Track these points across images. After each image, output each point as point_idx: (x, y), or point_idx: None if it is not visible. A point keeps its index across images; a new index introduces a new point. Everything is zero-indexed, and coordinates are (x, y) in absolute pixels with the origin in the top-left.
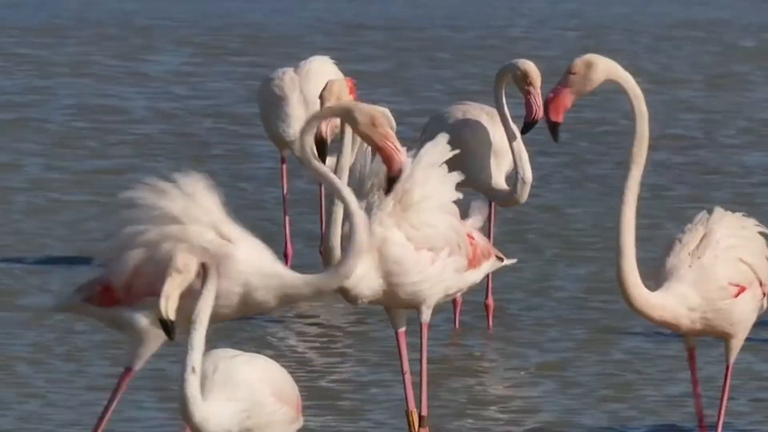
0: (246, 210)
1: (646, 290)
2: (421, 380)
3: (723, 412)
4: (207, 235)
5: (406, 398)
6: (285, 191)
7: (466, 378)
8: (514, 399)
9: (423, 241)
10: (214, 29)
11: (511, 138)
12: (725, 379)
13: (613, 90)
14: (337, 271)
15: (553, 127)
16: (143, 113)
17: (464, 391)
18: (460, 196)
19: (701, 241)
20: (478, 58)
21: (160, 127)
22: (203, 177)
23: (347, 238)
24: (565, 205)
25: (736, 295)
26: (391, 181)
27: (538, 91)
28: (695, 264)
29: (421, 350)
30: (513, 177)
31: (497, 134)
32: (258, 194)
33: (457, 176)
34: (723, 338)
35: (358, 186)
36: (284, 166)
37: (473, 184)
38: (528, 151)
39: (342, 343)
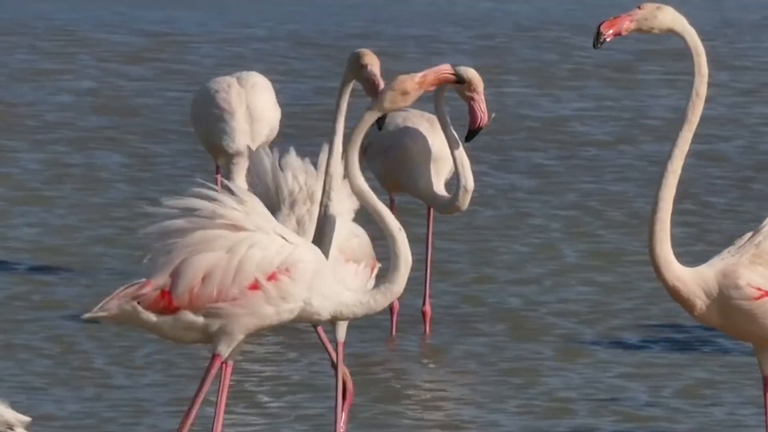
0: None
1: (673, 258)
2: (335, 402)
3: None
4: (276, 241)
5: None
6: None
7: (400, 384)
8: (451, 404)
9: (350, 252)
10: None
11: (453, 145)
12: (765, 395)
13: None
14: (390, 289)
15: (598, 36)
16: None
17: (399, 397)
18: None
19: (747, 240)
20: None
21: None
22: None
23: (392, 257)
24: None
25: (758, 298)
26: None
27: (482, 97)
28: (727, 258)
29: (336, 372)
30: (455, 185)
31: (436, 141)
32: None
33: None
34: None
35: (276, 198)
36: (218, 176)
37: (413, 191)
38: (469, 158)
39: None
